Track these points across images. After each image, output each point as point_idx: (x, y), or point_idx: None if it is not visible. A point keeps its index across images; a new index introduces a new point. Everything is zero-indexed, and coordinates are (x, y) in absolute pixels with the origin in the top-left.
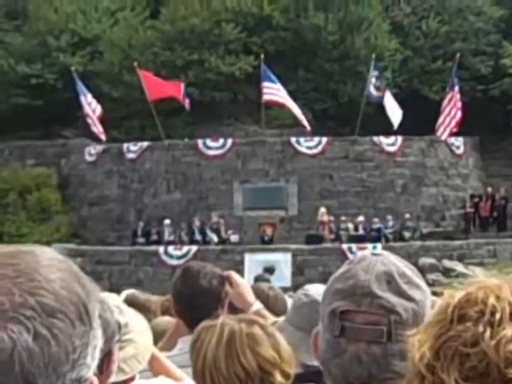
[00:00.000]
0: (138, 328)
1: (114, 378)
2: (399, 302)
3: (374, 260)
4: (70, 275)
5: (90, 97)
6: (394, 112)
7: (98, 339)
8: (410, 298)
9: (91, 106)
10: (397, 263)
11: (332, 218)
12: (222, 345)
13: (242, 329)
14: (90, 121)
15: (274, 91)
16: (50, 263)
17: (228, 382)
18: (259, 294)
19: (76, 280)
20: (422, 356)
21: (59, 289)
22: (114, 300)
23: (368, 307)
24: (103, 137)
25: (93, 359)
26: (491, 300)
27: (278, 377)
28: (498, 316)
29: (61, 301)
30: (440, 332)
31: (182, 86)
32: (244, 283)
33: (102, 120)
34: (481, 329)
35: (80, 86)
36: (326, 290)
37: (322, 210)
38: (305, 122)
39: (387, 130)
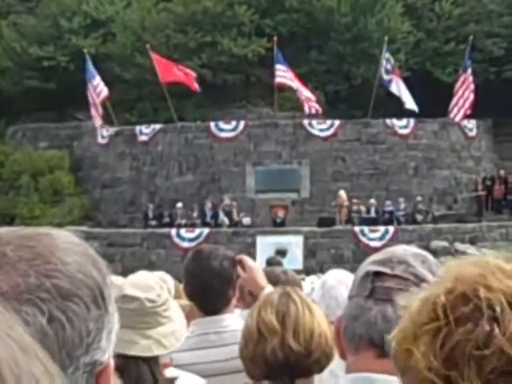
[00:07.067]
0: (175, 306)
1: (155, 351)
2: (431, 276)
3: (411, 247)
4: (86, 259)
5: (98, 79)
6: (407, 96)
7: (113, 323)
8: None
9: (96, 90)
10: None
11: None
12: None
13: None
14: (93, 111)
15: (287, 74)
16: (67, 246)
17: None
18: (271, 278)
19: (92, 264)
20: (429, 366)
21: (75, 272)
22: (155, 277)
23: (401, 272)
24: (99, 121)
25: (108, 343)
26: (482, 293)
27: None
28: (498, 309)
29: (76, 284)
30: (442, 340)
31: (194, 76)
32: (256, 267)
33: (111, 102)
34: (487, 327)
35: (90, 69)
36: (362, 264)
37: (342, 192)
38: (315, 105)
39: (400, 112)
